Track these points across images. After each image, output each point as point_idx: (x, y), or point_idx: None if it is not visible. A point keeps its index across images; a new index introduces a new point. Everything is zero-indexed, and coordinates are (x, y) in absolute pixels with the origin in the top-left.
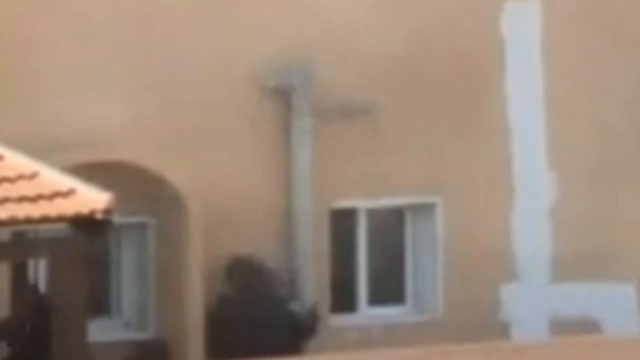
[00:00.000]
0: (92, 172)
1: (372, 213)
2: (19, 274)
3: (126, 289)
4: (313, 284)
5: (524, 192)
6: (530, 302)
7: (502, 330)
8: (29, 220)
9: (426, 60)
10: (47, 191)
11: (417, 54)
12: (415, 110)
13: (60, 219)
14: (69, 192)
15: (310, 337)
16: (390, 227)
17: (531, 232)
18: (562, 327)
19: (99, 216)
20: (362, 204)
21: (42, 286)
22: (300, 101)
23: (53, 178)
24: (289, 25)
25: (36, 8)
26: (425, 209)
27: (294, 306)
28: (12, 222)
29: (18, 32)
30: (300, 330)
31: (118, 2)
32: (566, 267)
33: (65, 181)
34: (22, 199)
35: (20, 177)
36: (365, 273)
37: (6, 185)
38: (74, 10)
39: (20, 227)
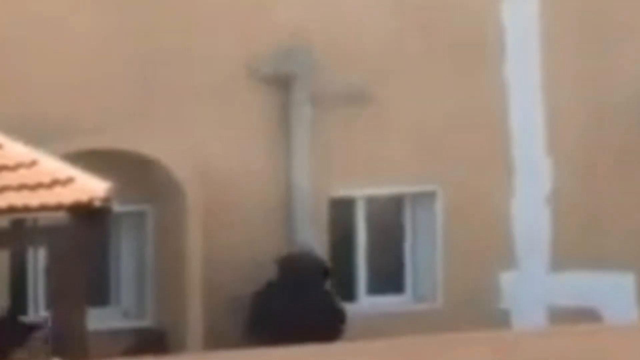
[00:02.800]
0: (90, 160)
1: (371, 201)
2: (18, 262)
3: (125, 278)
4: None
5: (522, 180)
6: (529, 290)
7: (502, 319)
8: (27, 209)
9: (426, 48)
10: (46, 179)
11: (416, 42)
12: (415, 98)
13: (59, 207)
14: (68, 181)
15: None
16: (390, 215)
17: (530, 221)
18: (561, 316)
19: (97, 204)
20: (360, 192)
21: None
22: (300, 88)
23: (52, 166)
24: (288, 12)
25: None
26: (425, 197)
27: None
28: (11, 210)
29: (16, 19)
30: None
31: None
32: (565, 256)
33: (64, 169)
34: (21, 187)
35: (20, 165)
36: (364, 262)
37: (5, 173)
38: None
39: (19, 216)
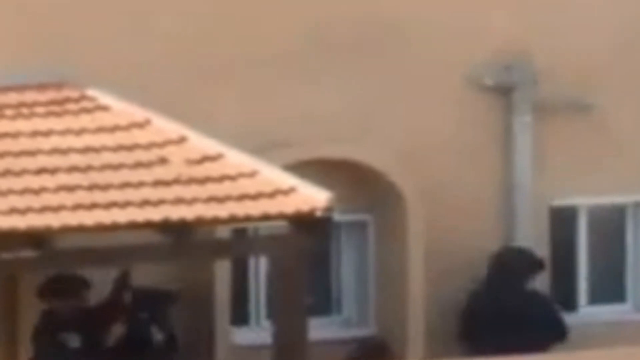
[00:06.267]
0: (311, 170)
1: (592, 210)
2: (240, 272)
3: (346, 287)
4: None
5: None
6: None
7: None
8: (248, 218)
9: None
10: (267, 189)
11: (637, 49)
12: (636, 106)
13: (280, 216)
14: (290, 190)
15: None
16: (611, 224)
17: None
18: None
19: (319, 214)
20: (582, 201)
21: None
22: (521, 98)
23: (273, 176)
24: (507, 19)
25: None
26: None
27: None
28: (232, 219)
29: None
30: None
31: None
32: None
33: (286, 179)
34: (242, 197)
35: (241, 175)
36: (585, 271)
37: (227, 183)
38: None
39: (241, 225)
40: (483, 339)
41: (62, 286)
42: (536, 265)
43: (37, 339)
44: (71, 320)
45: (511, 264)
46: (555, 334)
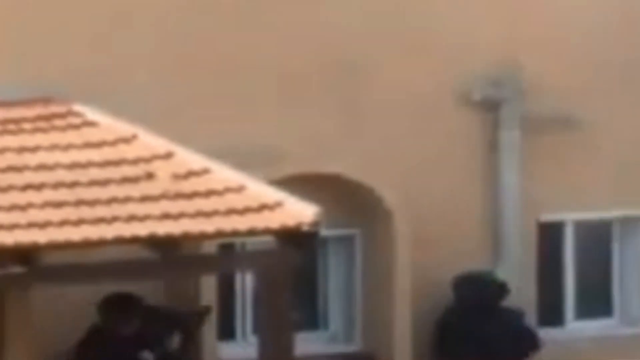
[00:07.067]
0: (298, 185)
1: (579, 225)
2: (226, 286)
3: (332, 302)
4: (520, 298)
5: None
6: None
7: None
8: (235, 233)
9: (636, 73)
10: (254, 204)
11: (625, 66)
12: (628, 122)
13: (267, 231)
14: (276, 205)
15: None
16: (597, 239)
17: None
18: None
19: (306, 229)
20: (569, 216)
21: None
22: (509, 114)
23: (260, 191)
24: (495, 34)
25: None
26: (632, 222)
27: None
28: (219, 234)
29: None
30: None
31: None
32: None
33: (273, 194)
34: (229, 212)
35: (228, 189)
36: (572, 286)
37: (213, 198)
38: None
39: (227, 240)
40: (457, 354)
41: (125, 305)
42: (497, 291)
43: (88, 353)
44: (128, 338)
45: (475, 294)
46: (529, 346)
